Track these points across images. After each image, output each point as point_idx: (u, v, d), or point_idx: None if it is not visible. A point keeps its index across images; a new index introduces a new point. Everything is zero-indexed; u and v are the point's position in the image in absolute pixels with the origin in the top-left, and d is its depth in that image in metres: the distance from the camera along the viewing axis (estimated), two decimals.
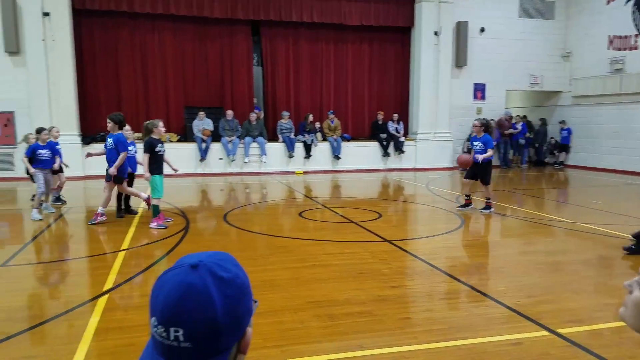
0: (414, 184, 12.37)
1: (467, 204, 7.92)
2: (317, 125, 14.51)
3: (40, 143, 7.59)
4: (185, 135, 13.82)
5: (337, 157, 14.39)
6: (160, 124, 6.87)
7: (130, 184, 7.55)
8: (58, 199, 8.73)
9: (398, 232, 6.89)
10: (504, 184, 12.74)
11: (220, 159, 13.57)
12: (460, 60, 15.29)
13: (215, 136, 13.50)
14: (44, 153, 7.53)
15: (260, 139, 13.66)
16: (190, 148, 13.24)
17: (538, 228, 7.10)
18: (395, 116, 15.04)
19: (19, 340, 3.42)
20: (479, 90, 15.89)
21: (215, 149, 13.48)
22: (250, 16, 13.87)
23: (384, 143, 14.80)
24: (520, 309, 3.92)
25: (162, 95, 13.88)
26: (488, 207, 7.87)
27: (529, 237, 6.61)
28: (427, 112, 15.04)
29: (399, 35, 15.46)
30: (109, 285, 4.53)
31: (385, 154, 14.88)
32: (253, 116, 13.68)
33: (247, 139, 13.54)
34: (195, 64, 14.01)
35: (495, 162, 15.98)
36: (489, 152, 7.68)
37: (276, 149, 14.01)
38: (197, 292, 0.81)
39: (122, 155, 6.89)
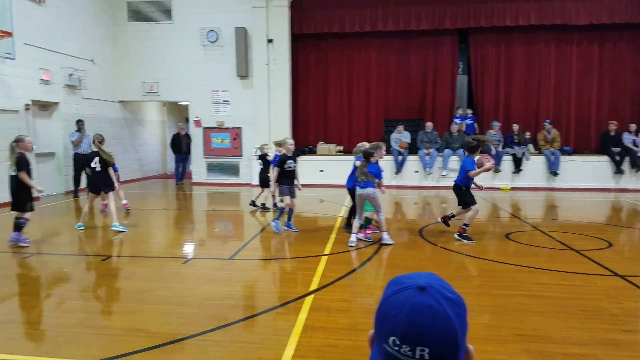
0: None
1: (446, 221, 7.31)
2: (527, 135, 13.23)
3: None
4: None
5: (554, 173, 12.87)
6: (384, 147, 6.87)
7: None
8: (264, 206, 9.55)
9: (633, 265, 5.71)
10: None
11: (416, 171, 13.42)
12: None
13: (413, 148, 13.44)
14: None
15: (461, 151, 13.08)
16: (387, 160, 13.34)
17: None
18: (633, 127, 12.73)
19: (238, 326, 3.89)
20: None
21: (412, 161, 13.41)
22: (458, 25, 13.52)
23: (617, 158, 12.66)
24: None
25: (363, 108, 14.50)
26: (461, 234, 6.92)
27: None
28: None
29: (638, 33, 13.13)
30: (314, 286, 4.86)
31: (618, 171, 12.71)
32: (455, 127, 13.21)
33: (447, 151, 13.11)
34: (397, 77, 14.26)
35: None
36: (471, 173, 6.73)
37: None
38: (438, 313, 0.86)
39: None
